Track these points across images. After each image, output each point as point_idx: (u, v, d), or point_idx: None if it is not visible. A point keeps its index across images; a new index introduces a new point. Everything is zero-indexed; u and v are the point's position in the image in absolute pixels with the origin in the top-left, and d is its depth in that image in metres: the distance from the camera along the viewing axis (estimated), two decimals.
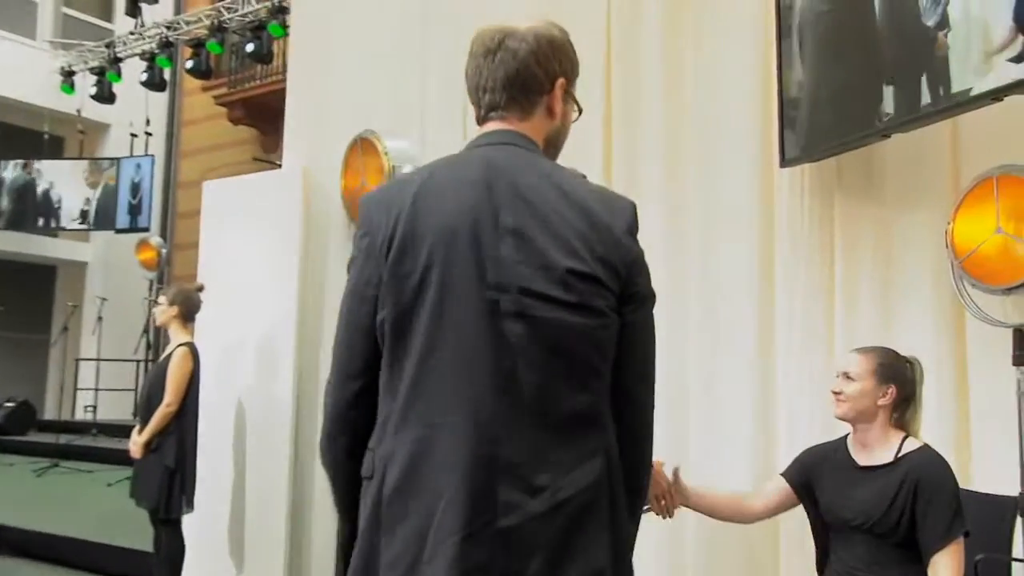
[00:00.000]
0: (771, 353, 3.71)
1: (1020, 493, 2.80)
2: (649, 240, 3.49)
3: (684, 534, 3.68)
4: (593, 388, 1.44)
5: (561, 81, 1.58)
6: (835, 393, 2.61)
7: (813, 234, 3.69)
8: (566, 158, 1.75)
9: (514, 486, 1.35)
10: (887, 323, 3.49)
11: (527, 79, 1.54)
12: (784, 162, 3.69)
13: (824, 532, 2.64)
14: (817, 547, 2.66)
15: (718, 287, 3.96)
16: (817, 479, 2.66)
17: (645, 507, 1.95)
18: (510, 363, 1.39)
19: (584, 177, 1.67)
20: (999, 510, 2.80)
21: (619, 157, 4.32)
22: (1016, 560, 2.77)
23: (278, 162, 5.68)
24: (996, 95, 2.71)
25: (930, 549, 2.36)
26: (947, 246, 3.06)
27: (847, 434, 2.68)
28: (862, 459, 2.58)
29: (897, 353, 2.64)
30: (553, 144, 1.62)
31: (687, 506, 2.70)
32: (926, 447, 2.52)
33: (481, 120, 1.59)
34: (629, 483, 1.47)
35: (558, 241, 1.41)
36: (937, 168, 3.39)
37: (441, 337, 1.41)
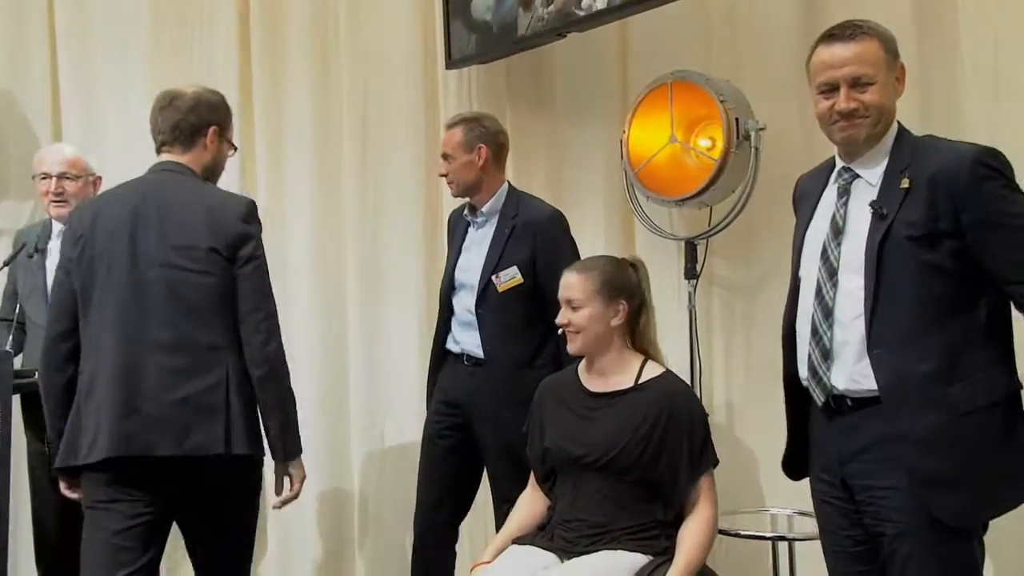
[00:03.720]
0: (435, 263, 3.53)
1: None
2: (298, 159, 3.16)
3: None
4: (212, 324, 2.21)
5: (214, 128, 2.37)
6: (563, 326, 2.31)
7: None
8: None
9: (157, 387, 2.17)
10: None
11: (186, 125, 2.34)
12: (449, 63, 3.49)
13: (549, 476, 2.34)
14: (549, 497, 2.36)
15: (381, 195, 3.71)
16: (545, 416, 2.36)
17: None
18: (147, 312, 2.21)
19: (224, 191, 2.46)
20: None
21: (259, 61, 3.84)
22: None
23: None
24: None
25: (686, 487, 2.18)
26: (622, 156, 3.06)
27: (580, 360, 2.39)
28: (596, 386, 2.31)
29: (616, 259, 2.38)
30: (211, 169, 2.40)
31: None
32: (669, 373, 2.30)
33: (157, 151, 2.38)
34: (256, 381, 2.22)
35: (187, 231, 2.22)
36: (607, 75, 3.36)
37: (107, 299, 2.22)
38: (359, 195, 3.71)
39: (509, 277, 2.76)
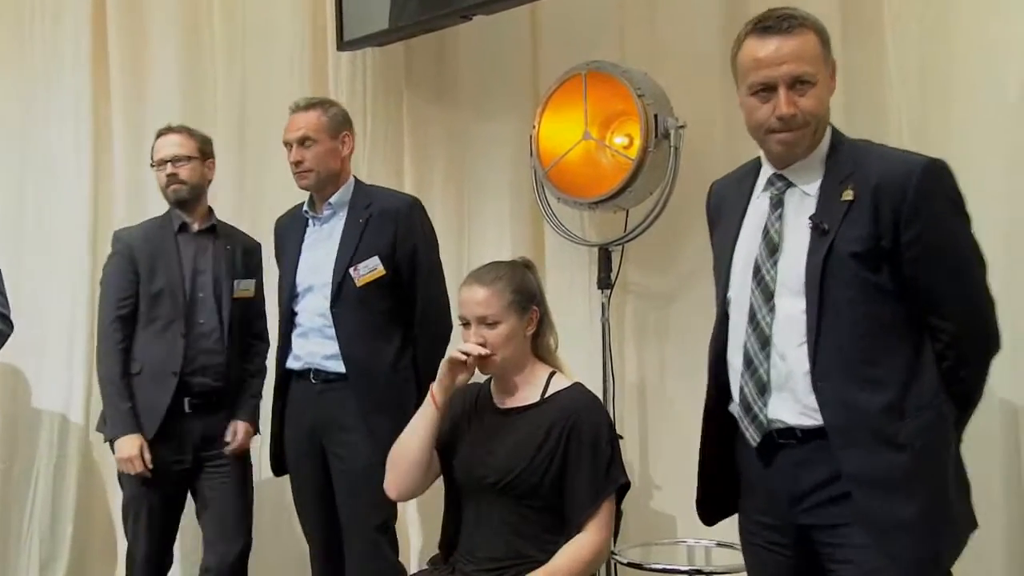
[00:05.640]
0: None
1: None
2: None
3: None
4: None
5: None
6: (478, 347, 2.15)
7: (378, 130, 3.43)
8: None
9: None
10: (460, 238, 3.39)
11: None
12: (342, 44, 3.36)
13: (457, 502, 2.24)
14: (446, 520, 2.28)
15: (260, 193, 3.55)
16: (457, 432, 2.25)
17: None
18: None
19: None
20: None
21: (117, 40, 3.66)
22: None
23: None
24: None
25: (581, 511, 2.08)
26: (531, 153, 2.97)
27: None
28: (504, 401, 2.22)
29: (513, 263, 2.29)
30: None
31: None
32: (578, 386, 2.21)
33: None
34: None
35: None
36: (516, 63, 3.27)
37: None
38: (235, 194, 3.52)
39: (369, 269, 2.67)
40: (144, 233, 2.96)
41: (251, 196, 3.57)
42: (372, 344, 2.68)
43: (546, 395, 2.19)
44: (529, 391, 2.21)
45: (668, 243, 3.00)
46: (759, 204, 1.83)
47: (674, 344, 3.04)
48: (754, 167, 1.88)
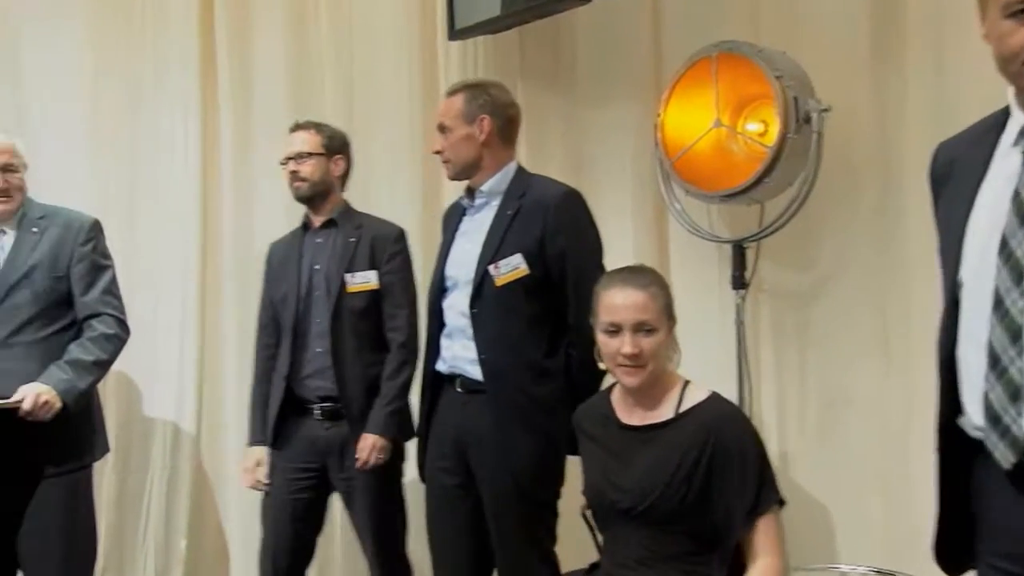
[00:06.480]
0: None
1: None
2: (270, 149, 3.05)
3: None
4: None
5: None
6: (631, 357, 2.01)
7: None
8: None
9: None
10: None
11: None
12: (453, 33, 3.28)
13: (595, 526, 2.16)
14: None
15: (370, 188, 3.49)
16: (583, 453, 2.16)
17: None
18: None
19: None
20: None
21: (223, 30, 3.67)
22: None
23: None
24: None
25: (742, 531, 1.94)
26: (656, 143, 2.83)
27: (612, 385, 2.16)
28: (632, 418, 2.08)
29: (645, 267, 2.22)
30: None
31: None
32: (716, 396, 2.05)
33: None
34: None
35: None
36: (637, 47, 3.11)
37: None
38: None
39: (511, 268, 2.48)
40: (285, 239, 3.03)
41: (358, 192, 3.52)
42: (512, 352, 2.48)
43: (680, 410, 2.05)
44: (663, 406, 2.07)
45: (808, 239, 2.80)
46: (1005, 164, 1.49)
47: (816, 349, 2.84)
48: (997, 120, 1.55)
